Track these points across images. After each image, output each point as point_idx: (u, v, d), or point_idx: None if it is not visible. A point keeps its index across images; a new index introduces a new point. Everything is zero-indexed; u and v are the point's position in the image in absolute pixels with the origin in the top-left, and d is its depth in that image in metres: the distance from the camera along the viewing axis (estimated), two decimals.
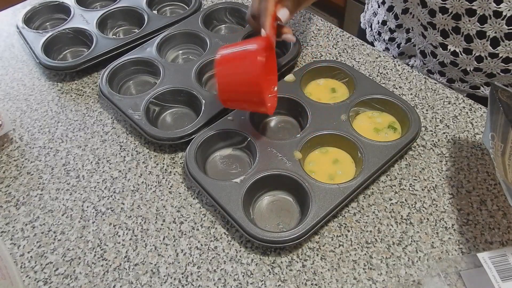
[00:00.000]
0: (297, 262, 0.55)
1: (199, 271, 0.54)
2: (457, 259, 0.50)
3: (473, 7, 0.67)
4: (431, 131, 0.68)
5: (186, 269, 0.54)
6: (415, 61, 0.84)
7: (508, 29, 0.67)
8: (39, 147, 0.68)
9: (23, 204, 0.62)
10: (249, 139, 0.64)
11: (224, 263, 0.55)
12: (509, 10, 0.66)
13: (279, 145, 0.63)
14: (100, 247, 0.57)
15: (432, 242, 0.56)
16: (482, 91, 0.78)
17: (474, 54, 0.73)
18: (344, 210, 0.59)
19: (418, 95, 0.73)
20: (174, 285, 0.53)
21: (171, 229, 0.58)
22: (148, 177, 0.64)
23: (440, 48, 0.76)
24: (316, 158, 0.64)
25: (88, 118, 0.72)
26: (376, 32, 0.89)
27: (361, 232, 0.57)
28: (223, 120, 0.66)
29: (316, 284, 0.53)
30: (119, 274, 0.54)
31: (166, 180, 0.64)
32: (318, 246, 0.56)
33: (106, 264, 0.55)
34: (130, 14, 0.87)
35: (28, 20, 0.86)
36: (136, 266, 0.55)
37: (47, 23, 0.89)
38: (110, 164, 0.66)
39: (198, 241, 0.57)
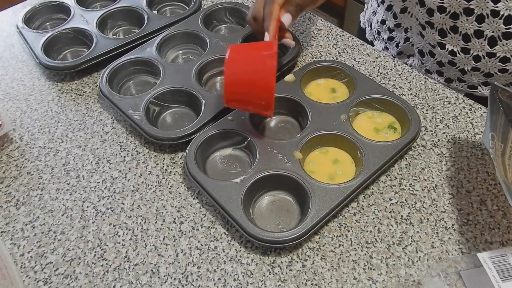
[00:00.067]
0: (297, 262, 0.55)
1: (199, 271, 0.54)
2: (457, 259, 0.50)
3: (471, 6, 0.67)
4: (431, 131, 0.68)
5: (186, 269, 0.54)
6: (413, 60, 0.84)
7: (506, 29, 0.67)
8: (39, 147, 0.68)
9: (23, 204, 0.62)
10: (249, 139, 0.64)
11: (224, 263, 0.55)
12: (506, 10, 0.66)
13: (279, 145, 0.63)
14: (100, 247, 0.57)
15: (432, 242, 0.56)
16: (480, 91, 0.78)
17: (472, 54, 0.73)
18: (344, 210, 0.59)
19: (418, 95, 0.73)
20: (174, 285, 0.53)
21: (171, 229, 0.58)
22: (148, 177, 0.64)
23: (438, 48, 0.76)
24: (316, 158, 0.64)
25: (88, 118, 0.72)
26: (375, 31, 0.89)
27: (361, 232, 0.57)
28: (223, 120, 0.66)
29: (316, 284, 0.53)
30: (119, 274, 0.54)
31: (166, 180, 0.64)
32: (318, 246, 0.56)
33: (106, 264, 0.55)
34: (130, 14, 0.87)
35: (28, 20, 0.86)
36: (136, 266, 0.55)
37: (47, 23, 0.89)
38: (110, 164, 0.66)
39: (198, 241, 0.57)
